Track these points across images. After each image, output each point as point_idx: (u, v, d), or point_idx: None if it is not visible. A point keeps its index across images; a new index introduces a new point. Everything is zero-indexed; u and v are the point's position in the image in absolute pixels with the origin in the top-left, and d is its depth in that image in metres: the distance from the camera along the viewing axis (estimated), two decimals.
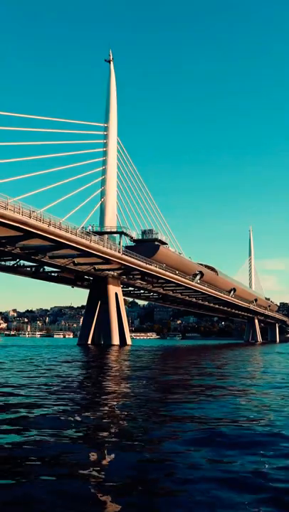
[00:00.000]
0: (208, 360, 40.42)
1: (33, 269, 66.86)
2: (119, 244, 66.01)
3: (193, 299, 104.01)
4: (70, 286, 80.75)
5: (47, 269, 68.27)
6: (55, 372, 23.78)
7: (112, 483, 6.62)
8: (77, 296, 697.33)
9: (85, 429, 10.17)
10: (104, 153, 70.63)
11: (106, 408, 13.01)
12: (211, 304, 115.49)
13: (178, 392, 16.34)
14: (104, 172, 70.00)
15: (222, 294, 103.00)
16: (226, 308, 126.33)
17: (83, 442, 9.10)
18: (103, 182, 69.94)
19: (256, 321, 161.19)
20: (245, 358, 45.13)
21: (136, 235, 70.88)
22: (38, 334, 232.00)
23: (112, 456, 8.14)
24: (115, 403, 14.00)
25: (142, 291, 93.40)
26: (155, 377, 22.69)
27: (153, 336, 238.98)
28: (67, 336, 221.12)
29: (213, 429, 9.92)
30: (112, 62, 75.98)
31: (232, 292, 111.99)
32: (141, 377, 21.90)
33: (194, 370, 26.84)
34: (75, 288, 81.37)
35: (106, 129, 72.11)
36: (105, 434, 9.63)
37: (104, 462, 7.85)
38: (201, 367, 30.69)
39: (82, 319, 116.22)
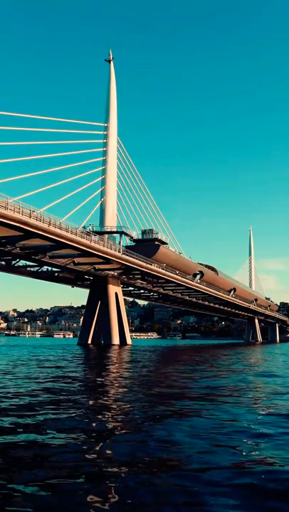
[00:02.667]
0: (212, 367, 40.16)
1: (33, 269, 66.82)
2: (120, 244, 65.98)
3: (194, 299, 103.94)
4: (70, 286, 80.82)
5: (47, 268, 68.22)
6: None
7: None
8: (77, 296, 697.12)
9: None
10: (104, 153, 70.59)
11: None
12: (211, 304, 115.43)
13: None
14: (104, 172, 69.96)
15: (222, 294, 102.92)
16: (226, 308, 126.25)
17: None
18: (103, 182, 69.91)
19: (256, 320, 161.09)
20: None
21: (136, 234, 70.88)
22: (38, 334, 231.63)
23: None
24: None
25: (142, 291, 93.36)
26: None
27: (154, 335, 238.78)
28: (67, 336, 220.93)
29: None
30: (112, 62, 75.96)
31: (232, 292, 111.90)
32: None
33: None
34: (75, 288, 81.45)
35: (106, 128, 72.06)
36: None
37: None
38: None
39: (82, 319, 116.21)
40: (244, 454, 8.22)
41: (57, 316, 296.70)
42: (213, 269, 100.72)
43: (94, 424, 10.77)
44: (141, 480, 6.84)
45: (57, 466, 7.49)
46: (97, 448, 8.69)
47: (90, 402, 14.36)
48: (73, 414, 11.81)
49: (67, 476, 6.98)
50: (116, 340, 68.59)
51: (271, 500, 6.12)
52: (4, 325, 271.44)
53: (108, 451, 8.50)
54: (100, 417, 11.75)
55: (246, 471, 7.30)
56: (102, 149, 70.29)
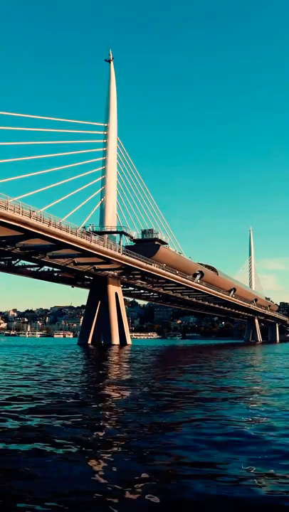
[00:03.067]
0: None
1: (33, 269, 66.75)
2: (120, 244, 65.93)
3: (194, 299, 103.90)
4: (70, 286, 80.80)
5: (47, 268, 68.17)
6: None
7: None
8: (77, 296, 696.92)
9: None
10: (104, 153, 70.54)
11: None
12: (211, 304, 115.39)
13: None
14: (104, 172, 69.91)
15: (222, 294, 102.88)
16: (226, 308, 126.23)
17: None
18: (103, 182, 69.87)
19: (256, 320, 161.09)
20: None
21: (136, 234, 70.84)
22: (38, 334, 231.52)
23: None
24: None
25: (142, 291, 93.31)
26: None
27: (154, 335, 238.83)
28: (67, 336, 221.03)
29: None
30: (112, 62, 75.90)
31: (232, 292, 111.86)
32: None
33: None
34: (75, 288, 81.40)
35: (106, 128, 72.00)
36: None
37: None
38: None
39: (82, 319, 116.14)
40: (251, 456, 8.12)
41: (57, 316, 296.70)
42: (213, 269, 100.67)
43: (96, 428, 10.66)
44: (145, 486, 6.74)
45: (57, 474, 7.36)
46: (100, 453, 8.57)
47: (91, 406, 14.24)
48: (74, 418, 11.70)
49: (68, 485, 6.86)
50: (116, 340, 68.54)
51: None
52: (4, 325, 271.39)
53: (111, 456, 8.38)
54: (101, 420, 11.64)
55: (254, 474, 7.21)
56: (102, 149, 70.24)
